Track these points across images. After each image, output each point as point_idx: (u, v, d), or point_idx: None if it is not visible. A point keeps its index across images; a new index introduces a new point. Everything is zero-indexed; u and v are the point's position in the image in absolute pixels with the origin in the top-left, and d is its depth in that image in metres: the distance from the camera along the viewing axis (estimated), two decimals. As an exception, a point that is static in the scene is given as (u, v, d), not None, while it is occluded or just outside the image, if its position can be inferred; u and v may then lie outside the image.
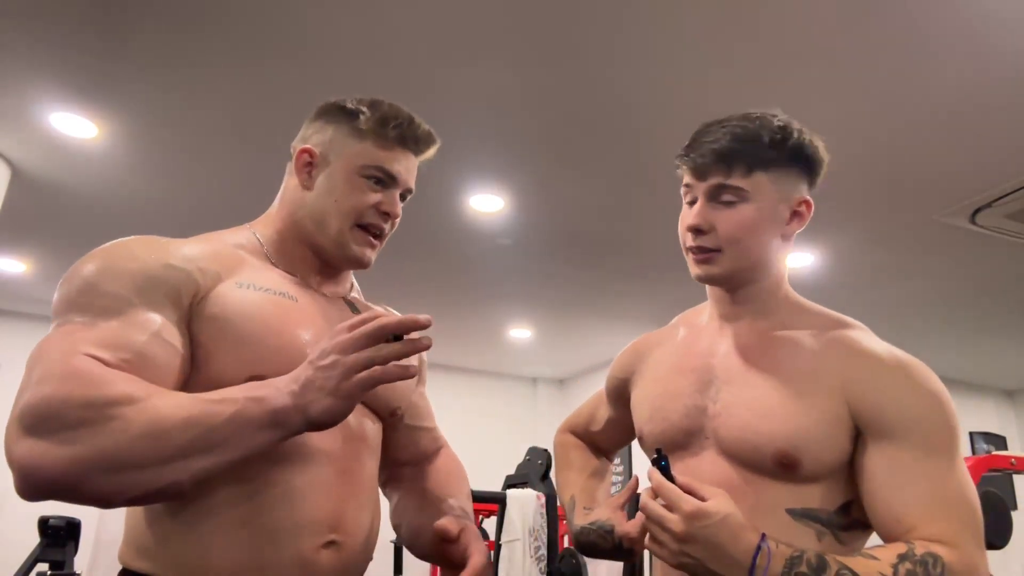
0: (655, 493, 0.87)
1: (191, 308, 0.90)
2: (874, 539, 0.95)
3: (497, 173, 3.28)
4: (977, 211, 3.38)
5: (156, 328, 0.85)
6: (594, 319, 5.29)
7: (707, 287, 1.10)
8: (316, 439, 0.91)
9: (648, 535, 0.87)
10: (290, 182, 1.07)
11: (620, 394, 1.23)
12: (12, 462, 0.74)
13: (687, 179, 1.03)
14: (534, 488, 4.03)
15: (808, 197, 1.04)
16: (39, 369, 0.77)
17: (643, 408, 1.12)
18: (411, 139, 1.06)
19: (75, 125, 2.91)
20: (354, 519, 0.94)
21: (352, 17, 2.31)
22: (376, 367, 0.81)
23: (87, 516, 3.37)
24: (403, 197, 1.09)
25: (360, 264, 1.05)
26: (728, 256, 0.99)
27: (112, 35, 2.40)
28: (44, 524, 3.12)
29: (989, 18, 2.20)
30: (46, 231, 3.98)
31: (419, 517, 1.10)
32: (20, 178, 3.32)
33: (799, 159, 1.02)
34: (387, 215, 1.04)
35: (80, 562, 3.27)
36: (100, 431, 0.74)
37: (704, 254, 1.01)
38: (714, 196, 1.00)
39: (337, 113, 1.05)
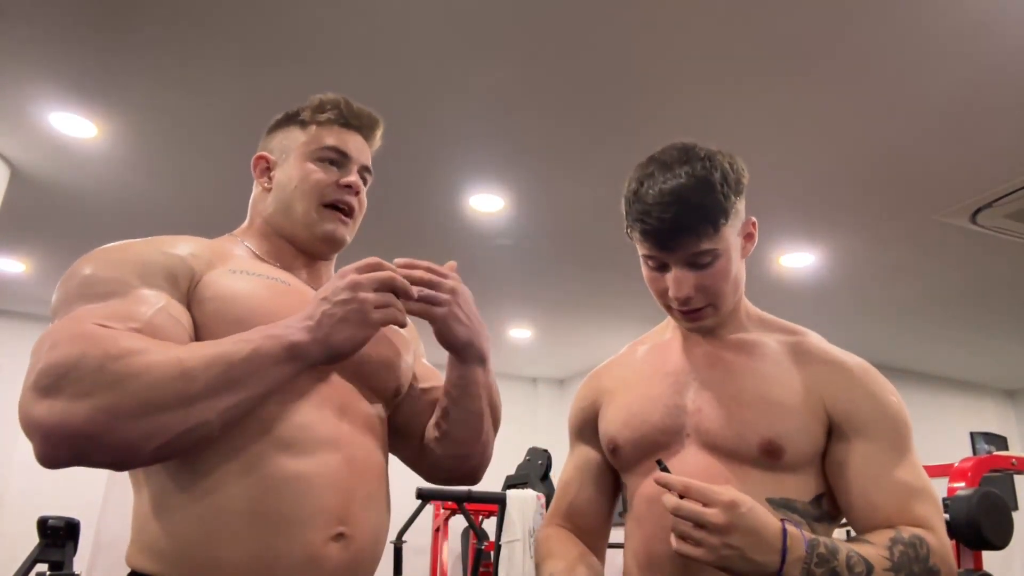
0: (681, 493, 0.88)
1: (188, 292, 0.92)
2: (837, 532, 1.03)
3: (497, 173, 3.28)
4: (977, 211, 3.38)
5: (162, 304, 0.87)
6: (594, 319, 5.29)
7: None
8: (322, 425, 0.92)
9: (674, 538, 0.88)
10: (254, 191, 1.13)
11: (589, 424, 1.18)
12: (32, 426, 0.74)
13: (648, 250, 1.01)
14: (534, 488, 4.03)
15: (752, 218, 1.09)
16: (48, 341, 0.78)
17: (616, 417, 1.10)
18: (349, 116, 1.12)
19: (75, 125, 2.91)
20: (362, 511, 0.93)
21: (352, 17, 2.30)
22: (391, 308, 0.89)
23: (87, 516, 3.37)
24: (365, 180, 1.13)
25: (333, 240, 1.08)
26: (718, 307, 1.04)
27: (112, 35, 2.40)
28: (43, 524, 3.12)
29: (989, 19, 2.20)
30: (46, 231, 3.98)
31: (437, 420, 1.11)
32: (20, 178, 3.32)
33: (739, 191, 1.02)
34: (348, 187, 1.08)
35: (80, 562, 3.27)
36: (123, 379, 0.75)
37: (695, 313, 1.03)
38: (690, 263, 0.99)
39: (282, 119, 1.14)
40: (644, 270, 1.06)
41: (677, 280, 1.00)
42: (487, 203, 3.53)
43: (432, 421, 1.12)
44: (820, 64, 2.45)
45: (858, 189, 3.28)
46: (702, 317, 1.04)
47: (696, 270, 0.99)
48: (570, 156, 3.11)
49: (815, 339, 1.08)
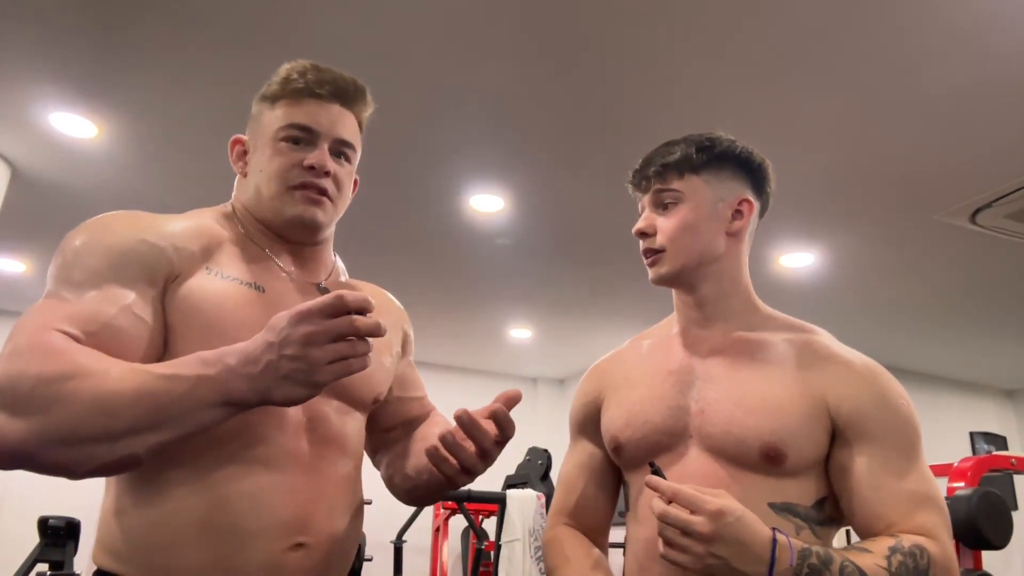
0: (669, 499, 0.86)
1: (165, 286, 0.92)
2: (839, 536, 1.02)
3: (497, 173, 3.28)
4: (977, 211, 3.38)
5: (127, 302, 0.87)
6: (594, 319, 5.29)
7: (673, 298, 1.14)
8: (282, 441, 0.91)
9: (661, 543, 0.87)
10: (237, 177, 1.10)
11: (592, 419, 1.18)
12: None
13: (639, 197, 1.14)
14: (534, 488, 4.03)
15: (749, 197, 1.10)
16: (11, 343, 0.79)
17: (618, 417, 1.10)
18: (318, 84, 1.01)
19: (75, 125, 2.91)
20: (324, 521, 0.93)
21: (353, 18, 2.31)
22: (347, 360, 0.80)
23: (87, 516, 3.38)
24: (345, 156, 1.05)
25: (303, 225, 1.01)
26: (671, 254, 1.07)
27: (112, 35, 2.41)
28: (44, 524, 3.12)
29: (988, 19, 2.20)
30: (46, 231, 3.98)
31: (409, 457, 1.10)
32: (20, 178, 3.32)
33: (729, 161, 1.09)
34: (312, 168, 0.99)
35: (80, 562, 3.27)
36: (52, 405, 0.75)
37: (652, 256, 1.09)
38: (657, 203, 1.10)
39: (256, 99, 1.08)
40: None
41: (643, 216, 1.11)
42: (487, 203, 3.53)
43: (399, 474, 1.12)
44: (820, 64, 2.45)
45: (858, 189, 3.28)
46: (657, 262, 1.09)
47: (659, 210, 1.09)
48: (570, 156, 3.12)
49: (824, 338, 1.06)
